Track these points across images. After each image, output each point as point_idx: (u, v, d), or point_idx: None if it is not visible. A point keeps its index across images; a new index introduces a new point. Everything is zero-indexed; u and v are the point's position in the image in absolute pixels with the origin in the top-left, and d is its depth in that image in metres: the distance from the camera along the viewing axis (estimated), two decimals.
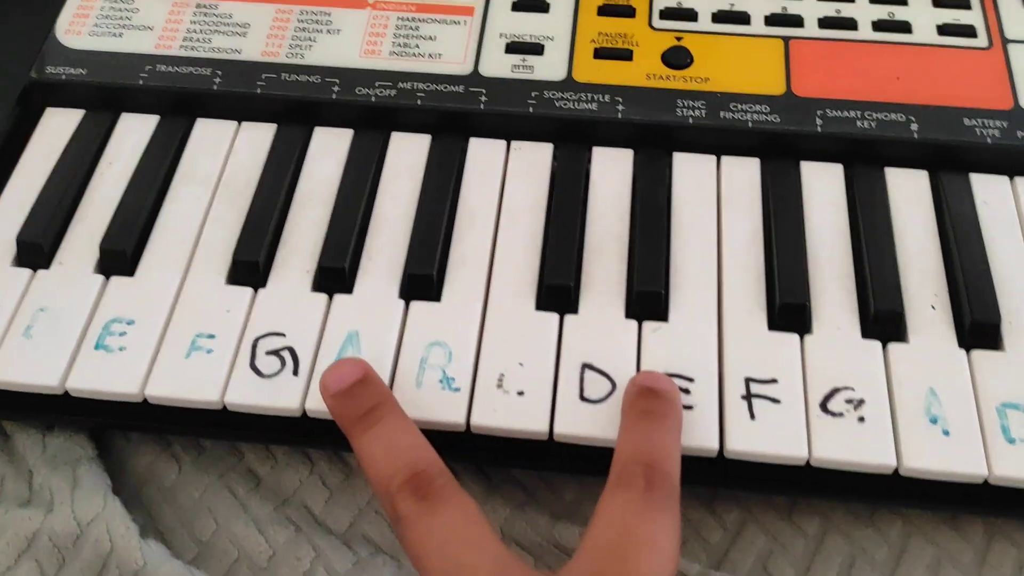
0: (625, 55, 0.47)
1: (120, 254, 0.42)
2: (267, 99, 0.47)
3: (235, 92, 0.48)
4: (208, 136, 0.48)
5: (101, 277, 0.42)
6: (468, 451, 0.39)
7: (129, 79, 0.48)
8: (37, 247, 0.43)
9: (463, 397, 0.38)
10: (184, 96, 0.48)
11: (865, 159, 0.44)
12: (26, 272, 0.43)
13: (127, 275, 0.42)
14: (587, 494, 0.42)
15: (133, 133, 0.48)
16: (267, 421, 0.40)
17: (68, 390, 0.39)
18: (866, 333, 0.39)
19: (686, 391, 0.37)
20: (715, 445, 0.36)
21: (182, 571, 0.37)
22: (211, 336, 0.40)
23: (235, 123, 0.48)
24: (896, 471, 0.36)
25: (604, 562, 0.30)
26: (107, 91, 0.48)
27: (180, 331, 0.40)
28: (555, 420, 0.37)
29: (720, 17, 0.49)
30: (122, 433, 0.44)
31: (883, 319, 0.39)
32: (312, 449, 0.43)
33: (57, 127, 0.48)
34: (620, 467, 0.33)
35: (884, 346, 0.38)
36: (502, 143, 0.46)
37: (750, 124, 0.44)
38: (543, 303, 0.40)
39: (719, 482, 0.39)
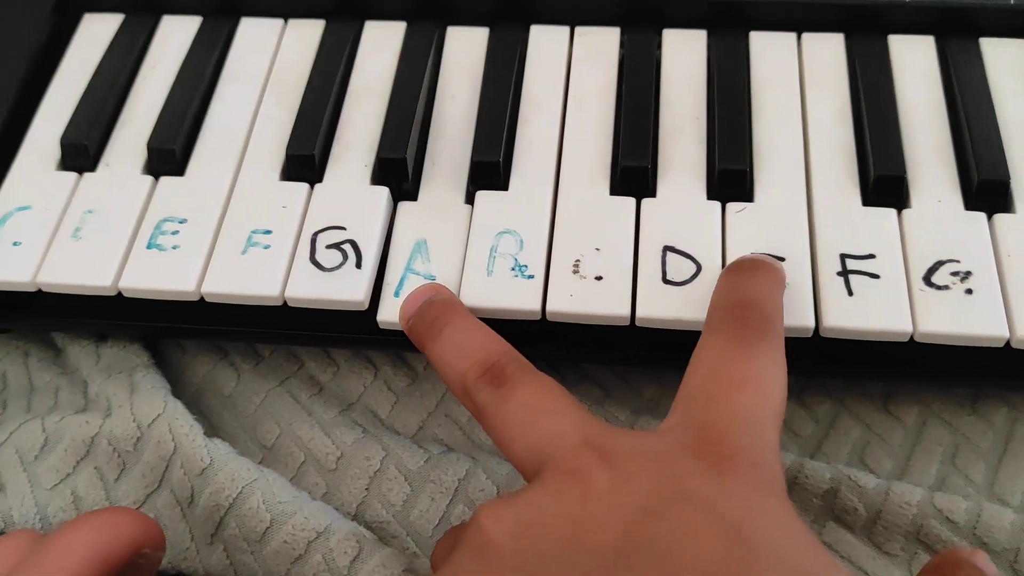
0: None
1: (169, 153, 0.41)
2: None
3: None
4: (253, 35, 0.45)
5: (150, 178, 0.40)
6: (540, 344, 0.37)
7: None
8: (82, 148, 0.41)
9: (537, 284, 0.36)
10: None
11: (958, 30, 0.41)
12: (72, 175, 0.41)
13: (177, 175, 0.41)
14: (667, 390, 0.40)
15: (175, 35, 0.46)
16: (327, 321, 0.38)
17: (122, 290, 0.37)
18: (970, 205, 0.36)
19: (780, 258, 0.35)
20: (811, 323, 0.34)
21: (250, 467, 0.35)
22: (267, 232, 0.38)
23: (281, 20, 0.46)
24: (1008, 343, 0.33)
25: (692, 409, 0.28)
26: None
27: (235, 228, 0.38)
28: (637, 303, 0.35)
29: None
30: (177, 344, 0.43)
31: (988, 189, 0.36)
32: (375, 353, 0.41)
33: (96, 33, 0.46)
34: (710, 314, 0.31)
35: (989, 217, 0.36)
36: (565, 29, 0.43)
37: None
38: (618, 188, 0.38)
39: (810, 370, 0.37)
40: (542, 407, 0.29)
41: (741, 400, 0.27)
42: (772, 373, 0.28)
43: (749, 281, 0.32)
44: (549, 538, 0.24)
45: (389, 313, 0.36)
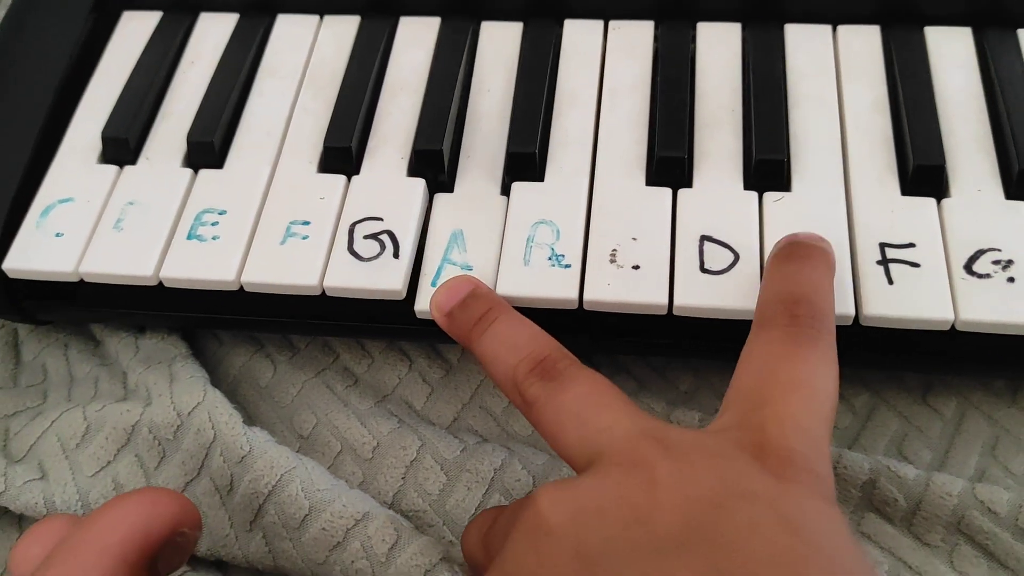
0: None
1: (208, 146, 0.41)
2: None
3: None
4: (290, 31, 0.46)
5: (189, 170, 0.41)
6: (577, 334, 0.37)
7: None
8: (123, 142, 0.42)
9: (574, 273, 0.36)
10: None
11: (996, 21, 0.41)
12: (113, 168, 0.41)
13: (216, 167, 0.41)
14: (703, 383, 0.40)
15: (213, 32, 0.46)
16: (364, 311, 0.38)
17: (163, 280, 0.38)
18: (1010, 194, 0.36)
19: None
20: (851, 311, 0.34)
21: (289, 455, 0.36)
22: (306, 223, 0.38)
23: (317, 17, 0.46)
24: None
25: (746, 410, 0.28)
26: None
27: (274, 219, 0.39)
28: (674, 292, 0.35)
29: None
30: (214, 336, 0.43)
31: None
32: (409, 346, 0.42)
33: (135, 30, 0.47)
34: (761, 309, 0.31)
35: None
36: (599, 23, 0.44)
37: None
38: (654, 178, 0.38)
39: (849, 360, 0.37)
40: (595, 400, 0.29)
41: (794, 403, 0.27)
42: (824, 373, 0.28)
43: (801, 272, 0.32)
44: (611, 524, 0.24)
45: (427, 302, 0.36)
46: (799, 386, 0.27)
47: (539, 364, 0.31)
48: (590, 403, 0.29)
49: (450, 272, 0.37)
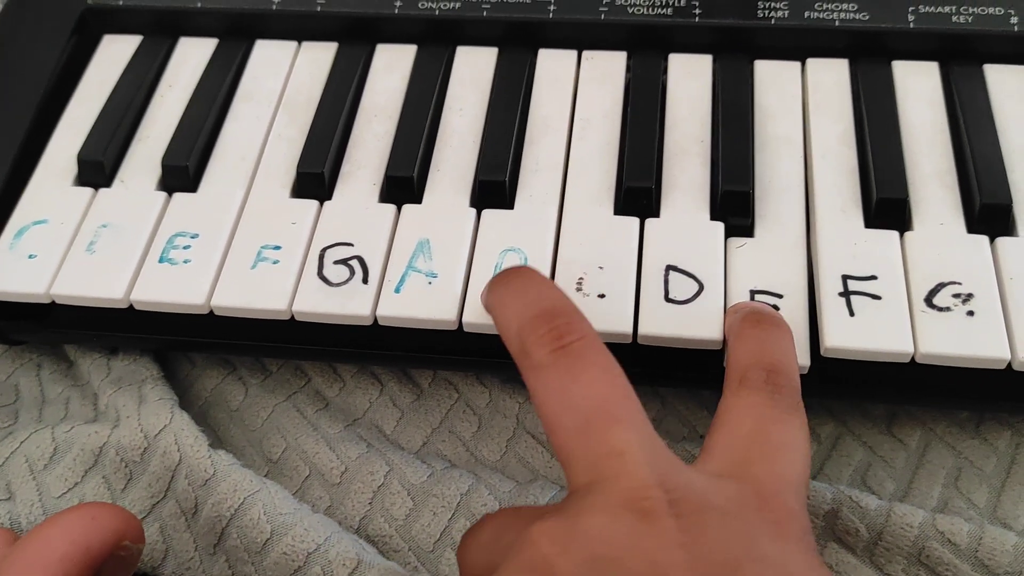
0: None
1: (182, 169, 0.41)
2: (327, 17, 0.46)
3: (295, 11, 0.46)
4: (268, 56, 0.46)
5: (164, 194, 0.41)
6: None
7: (186, 2, 0.47)
8: (98, 165, 0.42)
9: None
10: (243, 17, 0.47)
11: (962, 56, 0.42)
12: (88, 191, 0.42)
13: (190, 191, 0.41)
14: (669, 410, 0.40)
15: (192, 56, 0.47)
16: (334, 336, 0.38)
17: (133, 302, 0.38)
18: (972, 228, 0.36)
19: (778, 295, 0.35)
20: (806, 362, 0.34)
21: (252, 479, 0.36)
22: (277, 247, 0.39)
23: (295, 43, 0.46)
24: (1009, 365, 0.33)
25: (737, 460, 0.29)
26: (164, 15, 0.47)
27: (245, 243, 0.39)
28: (639, 320, 0.35)
29: None
30: (187, 358, 0.43)
31: (991, 213, 0.36)
32: (380, 369, 0.42)
33: (115, 53, 0.47)
34: (742, 371, 0.31)
35: (992, 241, 0.36)
36: (573, 53, 0.44)
37: (837, 23, 0.42)
38: (622, 207, 0.39)
39: (812, 391, 0.37)
40: (608, 409, 0.27)
41: (784, 463, 0.29)
42: (804, 440, 0.30)
43: (775, 341, 0.33)
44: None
45: (388, 308, 0.36)
46: (787, 448, 0.29)
47: (552, 322, 0.29)
48: (602, 411, 0.27)
49: (415, 280, 0.37)
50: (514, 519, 0.28)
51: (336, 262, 0.38)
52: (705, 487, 0.27)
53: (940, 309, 0.34)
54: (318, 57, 0.46)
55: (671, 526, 0.25)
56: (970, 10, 0.41)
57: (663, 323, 0.35)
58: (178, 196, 0.41)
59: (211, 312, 0.38)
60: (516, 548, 0.25)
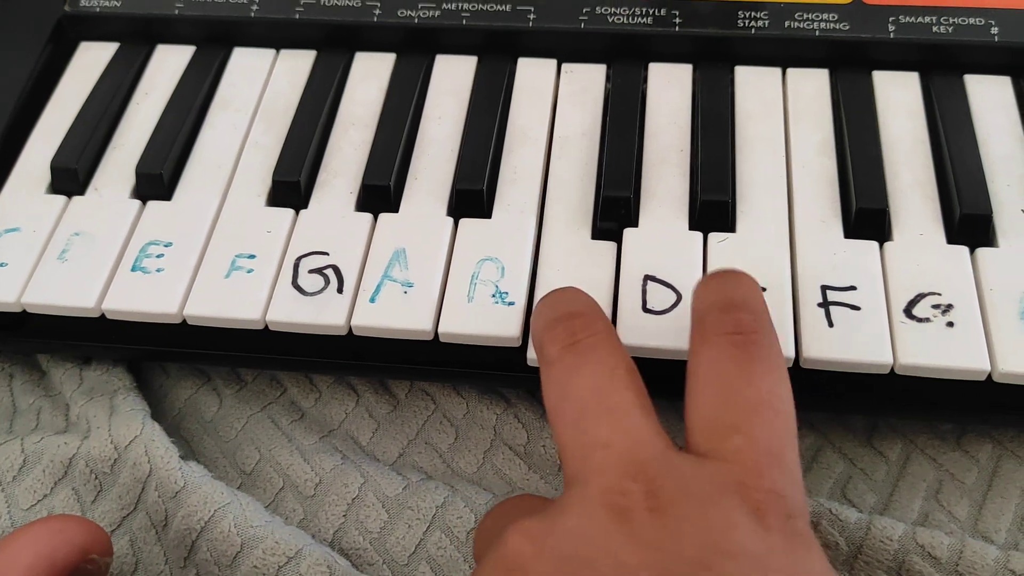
0: None
1: (157, 177, 0.41)
2: (306, 25, 0.45)
3: (273, 19, 0.46)
4: (245, 64, 0.46)
5: (138, 202, 0.41)
6: (520, 372, 0.36)
7: (164, 9, 0.46)
8: (71, 172, 0.41)
9: (518, 311, 0.36)
10: (221, 24, 0.46)
11: (942, 66, 0.41)
12: (61, 199, 0.41)
13: (164, 199, 0.41)
14: None
15: (169, 64, 0.46)
16: (310, 347, 0.38)
17: (105, 311, 0.37)
18: (952, 239, 0.36)
19: (761, 288, 0.35)
20: (791, 353, 0.34)
21: (223, 490, 0.35)
22: (251, 256, 0.38)
23: (273, 51, 0.46)
24: (989, 376, 0.33)
25: (713, 438, 0.26)
26: (141, 22, 0.47)
27: (219, 252, 0.38)
28: (617, 331, 0.35)
29: None
30: (161, 368, 0.43)
31: (971, 223, 0.36)
32: (357, 380, 0.41)
33: (91, 60, 0.47)
34: (699, 320, 0.29)
35: (972, 252, 0.36)
36: (552, 62, 0.44)
37: (817, 33, 0.42)
38: (600, 217, 0.38)
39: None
40: (603, 400, 0.27)
41: (761, 427, 0.26)
42: (781, 387, 0.27)
43: (733, 282, 0.30)
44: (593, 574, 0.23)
45: (363, 318, 0.36)
46: (762, 407, 0.26)
47: (569, 322, 0.29)
48: (597, 402, 0.27)
49: (391, 290, 0.36)
50: (514, 510, 0.29)
51: (311, 271, 0.37)
52: (686, 474, 0.26)
53: (920, 320, 0.34)
54: (296, 65, 0.46)
55: (645, 523, 0.24)
56: (951, 20, 0.41)
57: (640, 334, 0.35)
58: (152, 204, 0.41)
59: (184, 321, 0.37)
60: (496, 545, 0.25)
